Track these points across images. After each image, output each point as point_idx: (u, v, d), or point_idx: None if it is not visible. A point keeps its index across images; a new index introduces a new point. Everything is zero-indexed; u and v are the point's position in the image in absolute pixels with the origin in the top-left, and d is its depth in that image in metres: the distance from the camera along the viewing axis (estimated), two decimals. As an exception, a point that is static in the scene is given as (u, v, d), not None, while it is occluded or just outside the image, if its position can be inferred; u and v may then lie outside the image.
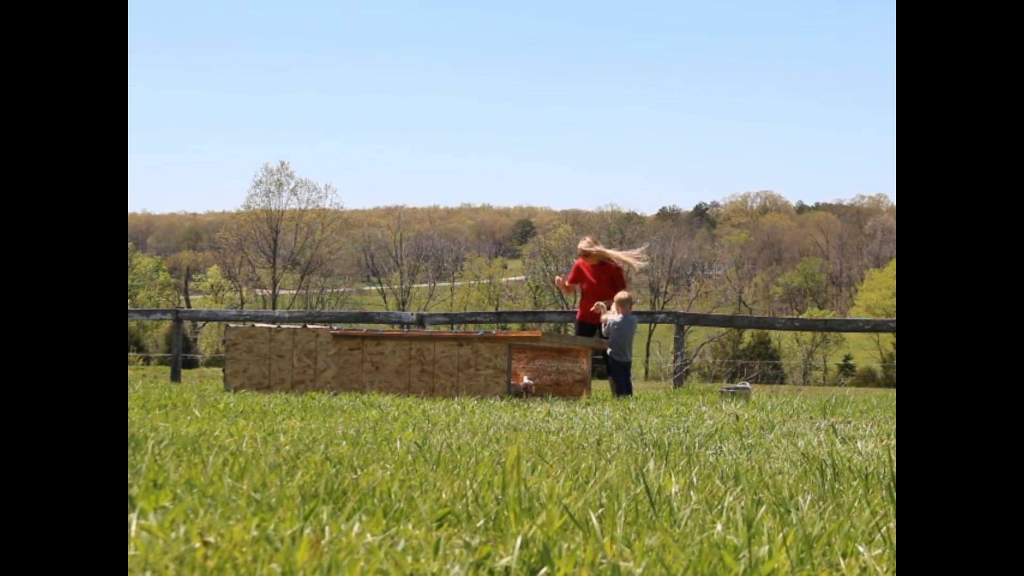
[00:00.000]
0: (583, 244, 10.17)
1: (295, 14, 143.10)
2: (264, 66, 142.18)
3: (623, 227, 65.26)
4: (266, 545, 1.69)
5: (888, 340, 46.64)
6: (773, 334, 47.15)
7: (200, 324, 49.26)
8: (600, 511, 2.05)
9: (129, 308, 15.96)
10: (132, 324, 37.88)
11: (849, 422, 5.43)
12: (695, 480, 2.70)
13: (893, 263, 61.20)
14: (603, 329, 9.57)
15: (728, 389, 8.59)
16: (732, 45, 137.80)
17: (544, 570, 1.66)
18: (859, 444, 4.00)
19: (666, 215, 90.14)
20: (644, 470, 2.84)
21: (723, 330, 45.43)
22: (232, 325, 9.75)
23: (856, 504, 2.35)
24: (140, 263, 63.46)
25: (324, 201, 61.07)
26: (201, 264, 72.58)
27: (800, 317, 30.96)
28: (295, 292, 62.11)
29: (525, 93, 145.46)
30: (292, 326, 9.22)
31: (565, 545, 1.75)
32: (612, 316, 9.43)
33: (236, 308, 52.16)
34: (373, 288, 70.34)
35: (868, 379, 42.07)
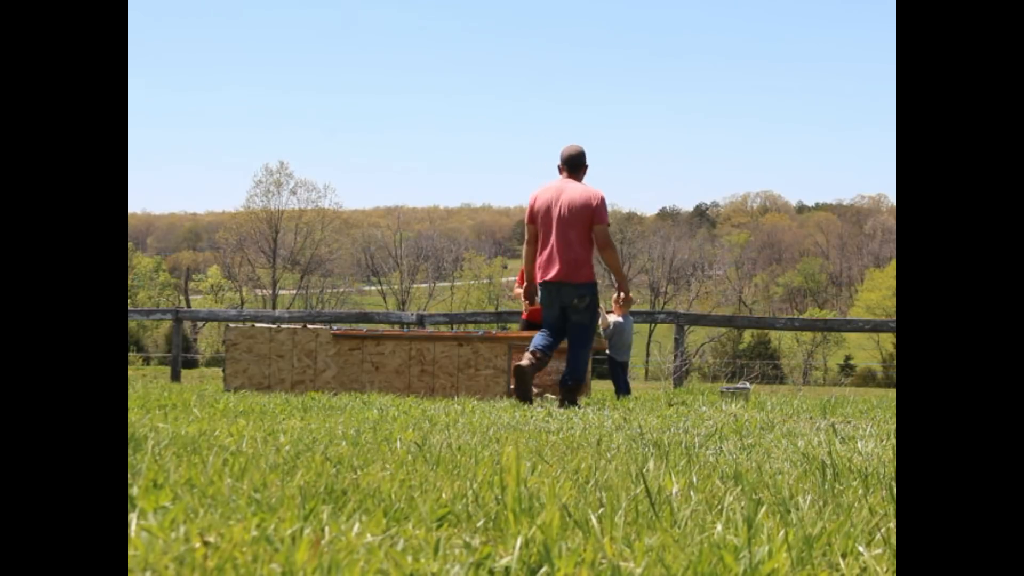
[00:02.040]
0: None
1: (295, 14, 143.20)
2: (264, 66, 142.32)
3: (623, 227, 65.22)
4: (266, 545, 1.69)
5: (888, 340, 46.64)
6: (773, 334, 47.15)
7: (200, 324, 49.26)
8: (600, 511, 2.05)
9: (129, 308, 15.97)
10: (132, 324, 37.88)
11: (849, 422, 5.43)
12: (695, 480, 2.70)
13: (893, 263, 61.20)
14: (602, 330, 9.55)
15: (728, 389, 8.60)
16: (732, 45, 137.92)
17: (544, 570, 1.66)
18: (859, 444, 4.00)
19: (666, 215, 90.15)
20: (644, 470, 2.84)
21: (723, 330, 45.43)
22: (232, 325, 9.75)
23: (856, 504, 2.35)
24: (140, 263, 63.47)
25: (324, 201, 61.17)
26: (201, 264, 72.60)
27: (800, 317, 30.96)
28: (295, 292, 62.13)
29: (525, 93, 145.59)
30: (292, 326, 9.23)
31: (565, 545, 1.75)
32: (613, 316, 9.43)
33: (236, 308, 52.16)
34: (373, 288, 70.35)
35: (868, 379, 42.06)
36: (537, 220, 7.32)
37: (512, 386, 7.12)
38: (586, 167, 7.49)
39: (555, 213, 7.21)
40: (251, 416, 5.22)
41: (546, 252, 7.25)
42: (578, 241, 7.19)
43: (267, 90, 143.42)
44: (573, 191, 7.25)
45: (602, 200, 7.27)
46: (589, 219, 7.17)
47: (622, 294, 7.86)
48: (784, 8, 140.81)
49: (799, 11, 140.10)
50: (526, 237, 7.47)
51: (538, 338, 7.23)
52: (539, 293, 7.37)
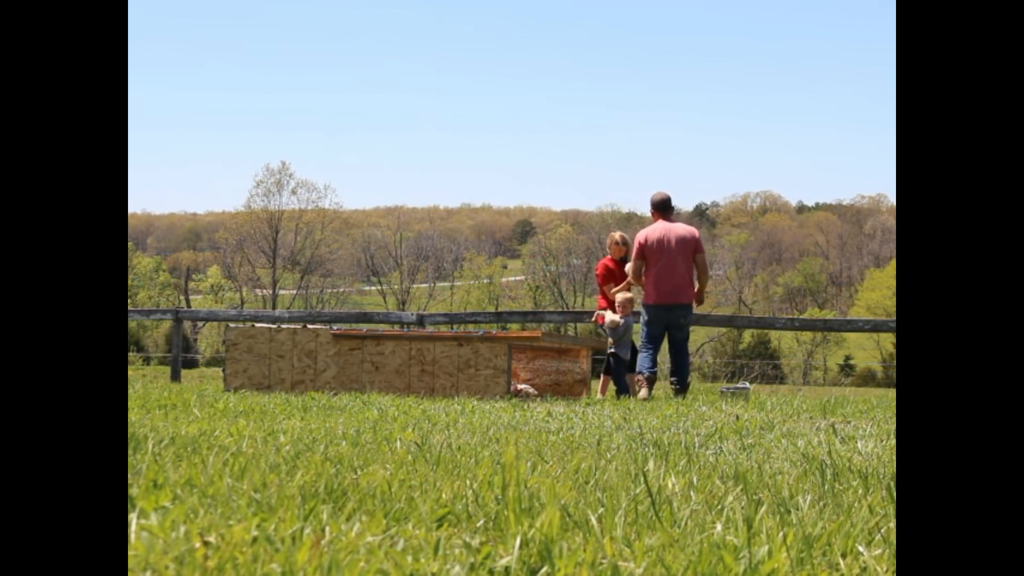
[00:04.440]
0: (620, 237, 9.91)
1: (295, 14, 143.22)
2: (264, 66, 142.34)
3: (623, 227, 65.16)
4: (266, 545, 1.69)
5: (888, 340, 46.60)
6: (773, 334, 47.12)
7: (200, 324, 49.26)
8: (600, 511, 2.05)
9: (129, 308, 15.95)
10: (132, 324, 37.87)
11: (849, 422, 5.43)
12: (695, 480, 2.70)
13: (893, 263, 61.14)
14: (609, 330, 9.53)
15: (728, 389, 8.60)
16: (732, 45, 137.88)
17: (544, 570, 1.66)
18: (859, 444, 4.00)
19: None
20: (644, 470, 2.84)
21: (723, 330, 45.42)
22: (232, 325, 9.75)
23: (856, 504, 2.35)
24: (140, 263, 63.43)
25: (324, 201, 61.14)
26: (201, 264, 72.55)
27: (800, 317, 30.93)
28: (295, 292, 62.11)
29: (525, 93, 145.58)
30: (292, 326, 9.22)
31: (565, 545, 1.75)
32: (615, 316, 9.42)
33: (236, 308, 52.14)
34: (373, 288, 70.33)
35: (868, 379, 42.04)
36: (651, 255, 8.98)
37: (640, 394, 8.60)
38: (673, 208, 9.37)
39: (668, 247, 8.93)
40: (251, 416, 5.23)
41: (660, 280, 8.94)
42: (686, 269, 9.01)
43: (267, 90, 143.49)
44: (678, 229, 9.08)
45: (699, 234, 9.29)
46: (693, 250, 9.03)
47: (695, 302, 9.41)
48: (784, 8, 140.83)
49: (799, 11, 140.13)
50: (632, 269, 9.15)
51: (644, 360, 8.92)
52: (647, 314, 9.00)
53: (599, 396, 9.50)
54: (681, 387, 8.89)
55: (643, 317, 9.11)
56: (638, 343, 9.39)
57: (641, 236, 9.16)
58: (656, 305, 9.00)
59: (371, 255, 70.90)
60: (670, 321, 8.99)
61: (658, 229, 9.07)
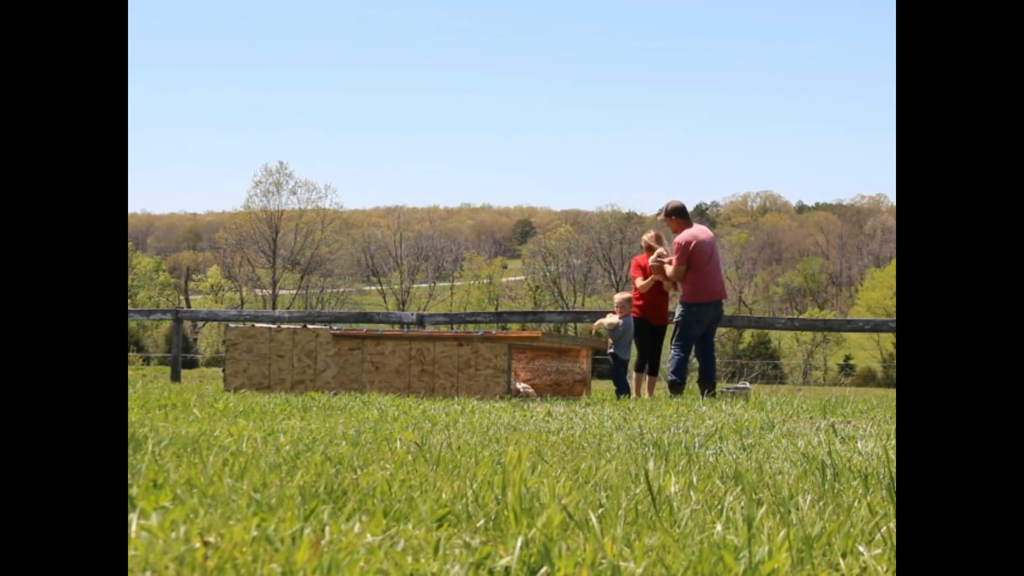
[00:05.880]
0: (650, 238, 9.86)
1: (296, 14, 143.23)
2: (263, 65, 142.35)
3: (623, 227, 65.19)
4: (266, 545, 1.69)
5: (888, 340, 46.62)
6: (773, 334, 47.12)
7: (200, 324, 49.27)
8: (600, 511, 2.05)
9: (129, 308, 15.94)
10: (132, 324, 37.86)
11: (849, 422, 5.43)
12: (695, 480, 2.70)
13: (893, 263, 61.12)
14: (609, 331, 9.52)
15: (728, 389, 8.60)
16: (732, 45, 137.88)
17: (544, 570, 1.66)
18: (859, 444, 4.00)
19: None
20: (644, 470, 2.84)
21: (723, 330, 45.43)
22: (232, 325, 9.75)
23: (856, 504, 2.35)
24: (140, 263, 63.42)
25: (324, 201, 61.16)
26: (201, 264, 72.56)
27: (800, 317, 30.92)
28: (295, 292, 62.10)
29: (525, 93, 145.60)
30: (292, 326, 9.22)
31: (565, 545, 1.75)
32: (614, 317, 9.42)
33: (236, 308, 52.14)
34: (373, 288, 70.32)
35: (868, 379, 42.04)
36: (699, 256, 9.20)
37: (672, 394, 8.92)
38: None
39: (711, 248, 9.37)
40: (251, 416, 5.23)
41: (710, 278, 9.28)
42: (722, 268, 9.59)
43: (267, 90, 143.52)
44: (708, 231, 9.63)
45: None
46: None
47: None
48: (784, 8, 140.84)
49: (799, 11, 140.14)
50: (676, 272, 9.22)
51: (680, 364, 9.13)
52: (694, 314, 9.12)
53: (647, 395, 9.31)
54: (712, 387, 9.04)
55: (685, 318, 9.13)
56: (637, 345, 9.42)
57: (687, 238, 9.34)
58: (708, 303, 9.24)
59: (371, 255, 70.89)
60: (714, 317, 9.28)
61: (698, 231, 9.44)
